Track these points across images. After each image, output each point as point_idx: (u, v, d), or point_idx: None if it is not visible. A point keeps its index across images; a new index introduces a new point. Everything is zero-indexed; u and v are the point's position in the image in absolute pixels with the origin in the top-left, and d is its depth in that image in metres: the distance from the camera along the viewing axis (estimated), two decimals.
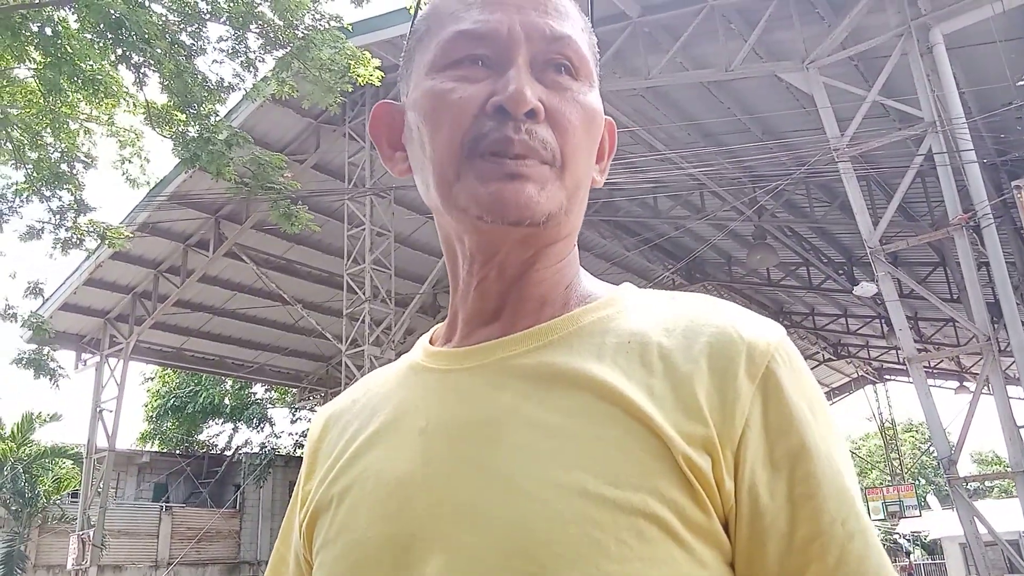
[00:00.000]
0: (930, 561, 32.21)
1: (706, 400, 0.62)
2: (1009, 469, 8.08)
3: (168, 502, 20.26)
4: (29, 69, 8.92)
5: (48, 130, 9.46)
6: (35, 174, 9.44)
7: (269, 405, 24.24)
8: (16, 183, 9.71)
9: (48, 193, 9.64)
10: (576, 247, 0.77)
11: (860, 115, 8.51)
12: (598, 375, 0.64)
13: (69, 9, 8.12)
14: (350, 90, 9.06)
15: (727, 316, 0.68)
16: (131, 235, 10.89)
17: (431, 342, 0.79)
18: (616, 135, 0.81)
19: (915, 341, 9.46)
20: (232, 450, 23.47)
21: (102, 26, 7.66)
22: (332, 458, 0.75)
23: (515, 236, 0.70)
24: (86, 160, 9.98)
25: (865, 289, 11.71)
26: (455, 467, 0.64)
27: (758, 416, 0.62)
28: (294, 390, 21.56)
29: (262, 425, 23.84)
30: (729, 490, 0.61)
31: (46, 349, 11.42)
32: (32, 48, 8.21)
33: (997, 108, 8.61)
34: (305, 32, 8.31)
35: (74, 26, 8.21)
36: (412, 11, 8.46)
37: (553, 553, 0.58)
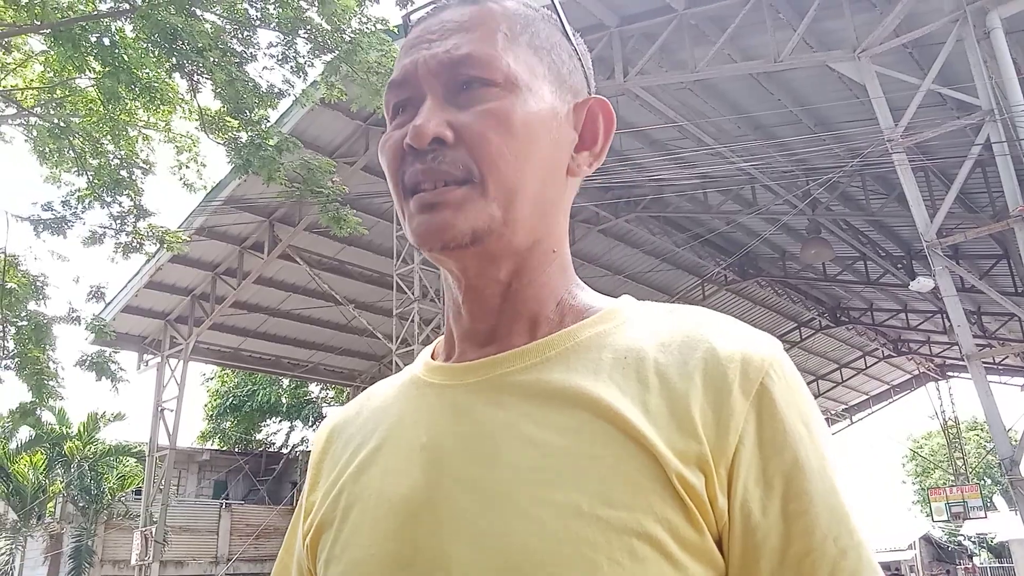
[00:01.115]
0: (997, 564, 31.20)
1: (700, 417, 0.62)
2: None
3: (227, 499, 20.73)
4: (89, 79, 9.22)
5: (108, 137, 9.74)
6: (96, 180, 9.73)
7: (324, 404, 24.63)
8: (79, 189, 10.02)
9: (109, 199, 9.92)
10: (563, 258, 0.76)
11: (914, 104, 8.29)
12: (594, 392, 0.65)
13: (126, 20, 8.37)
14: None
15: (723, 331, 0.68)
16: (189, 239, 11.17)
17: (432, 356, 0.79)
18: (612, 114, 0.77)
19: (977, 336, 9.18)
20: (289, 448, 23.92)
21: (157, 36, 7.88)
22: (336, 471, 0.76)
23: (463, 259, 0.71)
24: (144, 166, 10.25)
25: (922, 284, 11.40)
26: (454, 485, 0.65)
27: (752, 432, 0.62)
28: (348, 389, 21.88)
29: (318, 423, 24.20)
30: (722, 507, 0.61)
31: (108, 351, 11.77)
32: (91, 58, 8.47)
33: None
34: (352, 36, 8.41)
35: (130, 35, 8.45)
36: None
37: (548, 573, 0.58)
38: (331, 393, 24.38)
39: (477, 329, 0.74)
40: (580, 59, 0.79)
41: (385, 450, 0.72)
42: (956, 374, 25.15)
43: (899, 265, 16.34)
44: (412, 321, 12.13)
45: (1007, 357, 20.69)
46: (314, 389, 24.42)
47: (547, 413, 0.65)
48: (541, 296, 0.73)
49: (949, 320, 16.72)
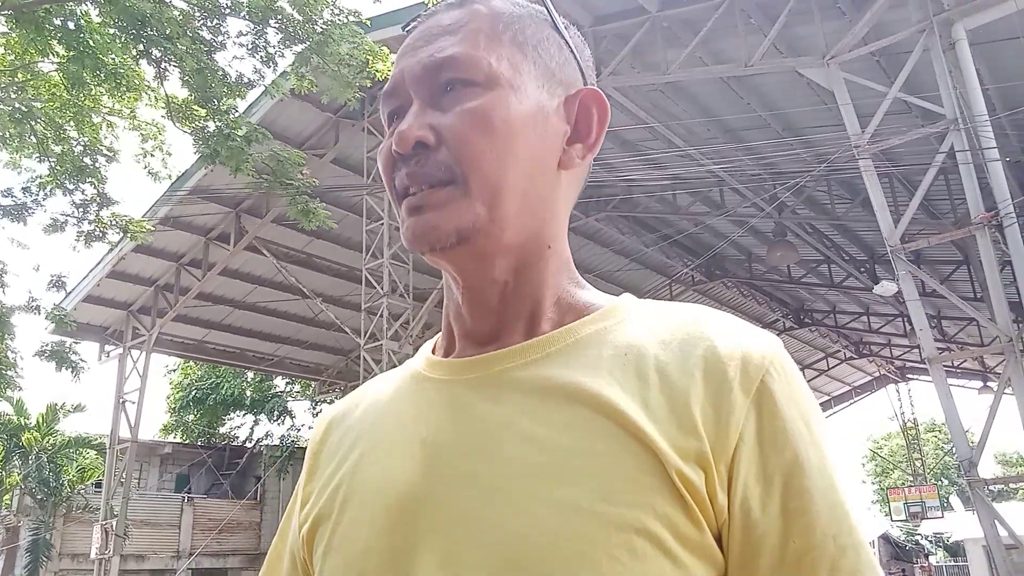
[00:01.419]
0: (952, 563, 31.87)
1: (701, 414, 0.62)
2: None
3: (190, 493, 20.49)
4: (52, 63, 9.03)
5: (71, 123, 9.57)
6: (58, 167, 9.55)
7: (290, 398, 24.42)
8: (40, 176, 9.83)
9: (71, 186, 9.74)
10: (561, 254, 0.76)
11: (881, 112, 8.41)
12: (594, 389, 0.65)
13: (91, 4, 8.21)
14: (369, 85, 9.08)
15: (723, 328, 0.68)
16: (153, 228, 11.00)
17: (433, 351, 0.79)
18: (605, 104, 0.77)
19: (938, 340, 9.37)
20: (253, 442, 23.70)
21: (124, 21, 7.74)
22: (335, 463, 0.76)
23: (455, 260, 0.72)
24: (108, 154, 10.08)
25: (885, 288, 11.59)
26: (454, 480, 0.65)
27: (752, 430, 0.62)
28: (314, 383, 21.72)
29: (283, 418, 24.02)
30: (722, 504, 0.61)
31: (69, 342, 11.57)
32: (55, 42, 8.30)
33: (1021, 105, 8.47)
34: (323, 27, 8.34)
35: (96, 20, 8.30)
36: (430, 6, 8.46)
37: (547, 569, 0.58)
38: (296, 387, 24.18)
39: (477, 328, 0.74)
40: (573, 52, 0.79)
41: (385, 444, 0.72)
42: (915, 376, 25.63)
43: (862, 269, 16.60)
44: (381, 316, 12.06)
45: (965, 361, 21.14)
46: (279, 383, 24.20)
47: (547, 409, 0.65)
48: (540, 293, 0.73)
49: (910, 323, 17.05)
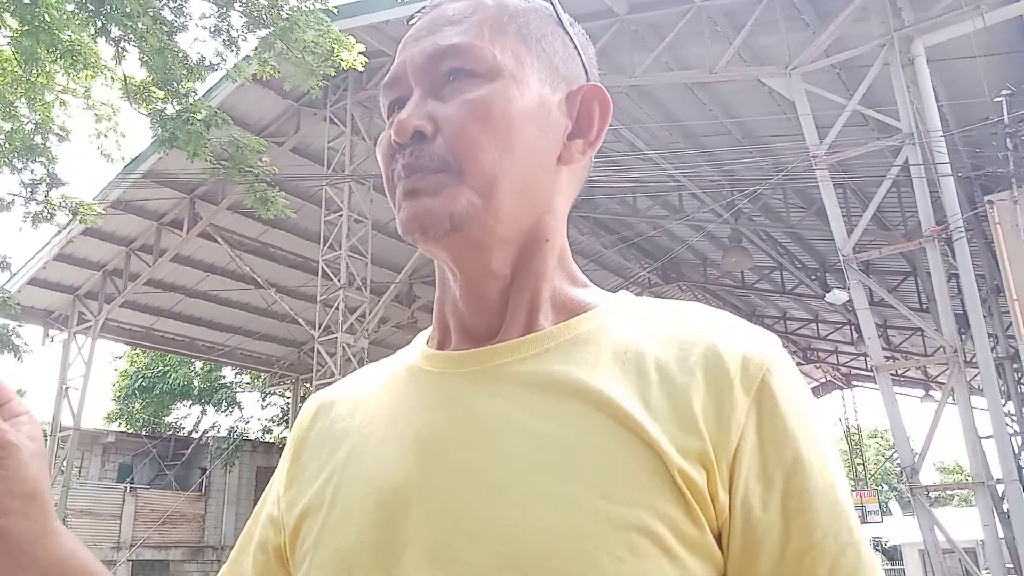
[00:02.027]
0: (890, 567, 32.72)
1: (702, 412, 0.62)
2: (970, 479, 8.23)
3: (133, 483, 20.05)
4: (4, 36, 8.74)
5: (22, 100, 9.27)
6: (7, 145, 9.25)
7: (239, 389, 24.06)
8: None
9: (20, 165, 9.45)
10: (559, 248, 0.75)
11: (840, 123, 8.58)
12: (594, 385, 0.64)
13: None
14: (333, 74, 8.98)
15: (723, 327, 0.68)
16: (104, 211, 10.71)
17: (427, 343, 0.78)
18: (607, 100, 0.77)
19: (883, 349, 9.62)
20: (200, 433, 23.29)
21: None
22: (324, 453, 0.74)
23: (450, 249, 0.71)
24: (60, 133, 9.80)
25: (837, 296, 11.84)
26: (449, 475, 0.64)
27: (753, 429, 0.62)
28: (264, 375, 21.42)
29: (231, 409, 23.67)
30: (723, 503, 0.61)
31: (11, 324, 11.22)
32: (8, 15, 8.03)
33: (973, 122, 8.73)
34: (289, 13, 8.21)
35: None
36: None
37: (545, 567, 0.58)
38: (246, 379, 23.83)
39: (475, 321, 0.73)
40: (577, 48, 0.79)
41: (377, 436, 0.71)
42: (860, 383, 26.27)
43: (813, 277, 16.94)
44: (337, 309, 11.95)
45: (909, 370, 21.71)
46: (228, 374, 23.82)
47: (546, 404, 0.64)
48: (538, 287, 0.72)
49: (857, 332, 17.46)
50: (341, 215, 12.21)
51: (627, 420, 0.61)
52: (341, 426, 0.75)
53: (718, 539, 0.61)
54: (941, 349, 8.43)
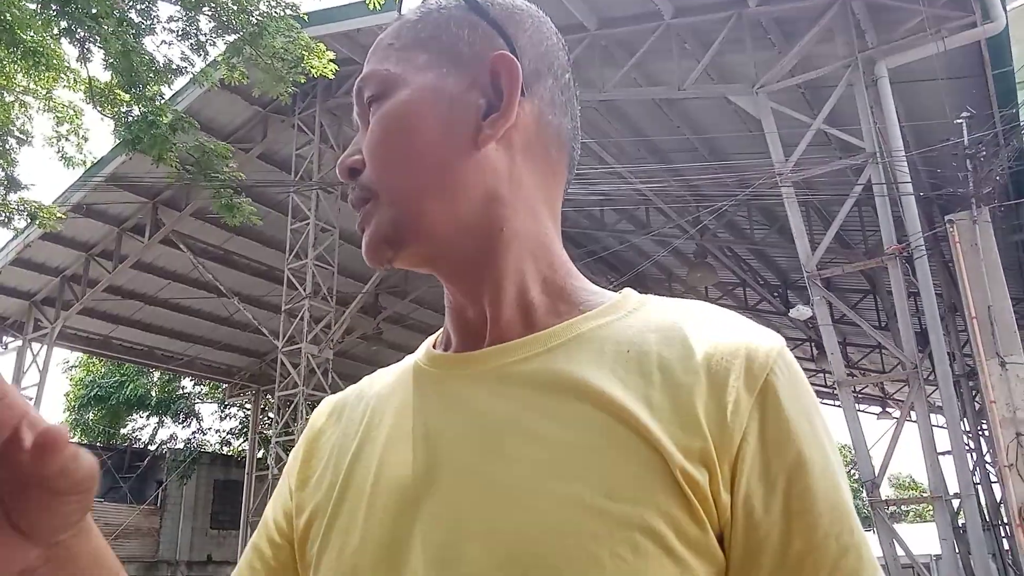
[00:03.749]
0: None
1: (704, 413, 0.61)
2: (926, 494, 8.36)
3: None
4: None
5: None
6: None
7: (197, 400, 23.66)
8: None
9: None
10: (526, 237, 0.72)
11: (805, 142, 8.73)
12: (597, 385, 0.64)
13: None
14: (303, 81, 8.92)
15: (726, 326, 0.67)
16: (64, 216, 10.50)
17: (434, 346, 0.78)
18: (513, 66, 0.71)
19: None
20: (156, 445, 22.84)
21: None
22: (335, 455, 0.75)
23: (410, 265, 0.73)
24: (20, 135, 9.61)
25: (800, 312, 12.01)
26: (454, 475, 0.64)
27: (756, 429, 0.62)
28: (224, 386, 21.09)
29: (189, 420, 23.27)
30: (725, 503, 0.60)
31: None
32: None
33: (934, 143, 8.94)
34: (259, 18, 8.16)
35: None
36: (370, 5, 8.37)
37: (548, 565, 0.57)
38: (205, 389, 23.44)
39: (470, 321, 0.74)
40: (496, 22, 0.75)
41: (385, 439, 0.71)
42: (820, 400, 26.62)
43: (775, 294, 17.17)
44: (302, 319, 11.82)
45: (866, 386, 22.07)
46: (187, 384, 23.42)
47: (549, 404, 0.64)
48: (510, 279, 0.71)
49: (818, 348, 17.72)
50: (308, 223, 12.11)
51: (629, 420, 0.61)
52: (351, 429, 0.76)
53: (720, 539, 0.61)
54: (900, 366, 8.58)
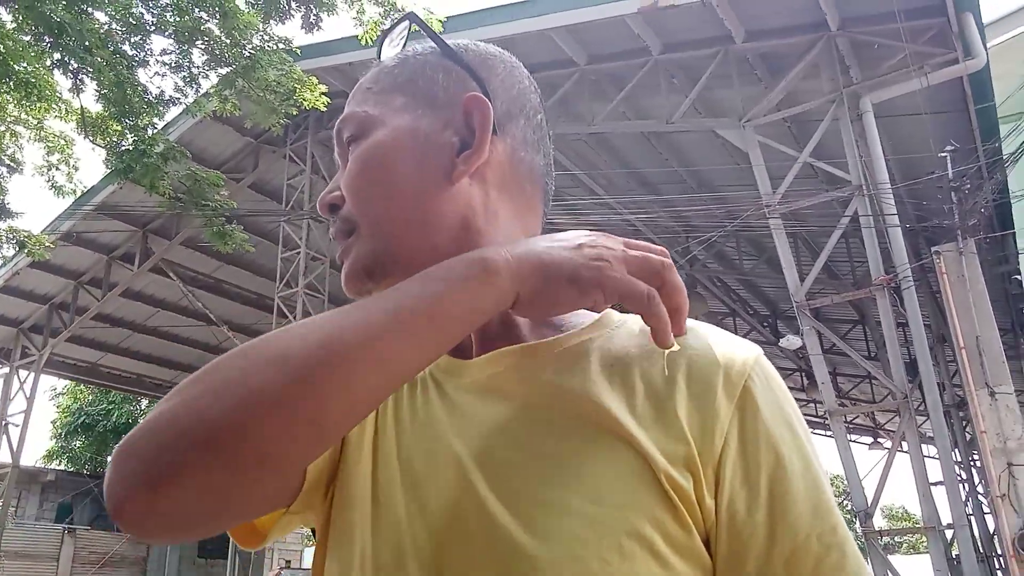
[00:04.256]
0: None
1: (686, 419, 0.64)
2: (919, 524, 8.33)
3: (72, 523, 19.31)
4: None
5: None
6: None
7: None
8: None
9: None
10: None
11: (792, 175, 8.81)
12: (583, 394, 0.66)
13: (4, 7, 7.87)
14: (295, 113, 8.98)
15: (705, 337, 0.70)
16: (52, 244, 10.49)
17: None
18: (485, 106, 0.75)
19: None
20: None
21: (41, 29, 7.44)
22: (352, 454, 0.75)
23: None
24: (11, 164, 9.62)
25: (791, 342, 12.04)
26: (444, 482, 0.66)
27: (736, 434, 0.64)
28: None
29: None
30: (710, 508, 0.62)
31: None
32: None
33: (919, 176, 9.03)
34: (252, 52, 8.22)
35: (10, 25, 7.94)
36: (362, 40, 8.45)
37: (536, 568, 0.59)
38: None
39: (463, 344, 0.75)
40: (470, 67, 0.78)
41: (387, 446, 0.73)
42: (811, 430, 26.55)
43: (765, 324, 17.20)
44: None
45: (857, 417, 22.05)
46: None
47: (538, 413, 0.67)
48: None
49: (807, 378, 17.73)
50: (298, 252, 12.11)
51: (616, 427, 0.63)
52: (368, 431, 0.75)
53: (706, 543, 0.63)
54: (890, 395, 8.59)
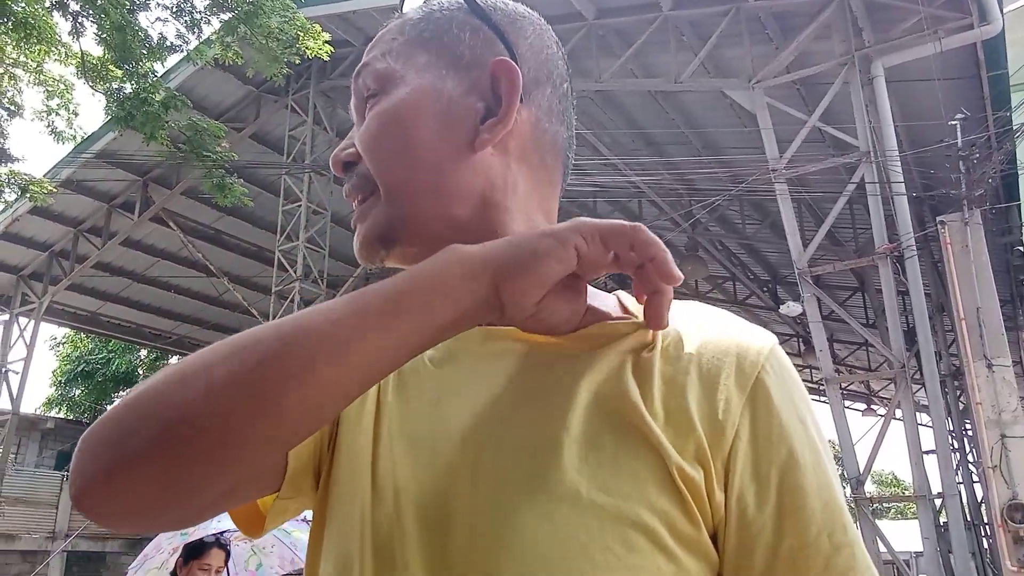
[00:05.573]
0: None
1: (698, 411, 0.62)
2: (908, 491, 8.41)
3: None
4: None
5: None
6: None
7: None
8: None
9: None
10: None
11: (800, 138, 8.73)
12: (596, 381, 0.64)
13: None
14: (297, 62, 8.86)
15: (718, 325, 0.68)
16: (55, 190, 10.42)
17: None
18: (513, 73, 0.72)
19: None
20: None
21: None
22: (353, 422, 0.73)
23: (397, 262, 0.74)
24: (10, 108, 9.52)
25: (791, 308, 12.05)
26: (447, 466, 0.64)
27: (747, 427, 0.62)
28: None
29: None
30: (719, 501, 0.61)
31: None
32: None
33: (928, 144, 8.94)
34: None
35: None
36: None
37: (538, 555, 0.57)
38: None
39: None
40: (497, 28, 0.75)
41: (383, 420, 0.70)
42: None
43: (765, 289, 17.21)
44: (292, 301, 11.78)
45: (852, 383, 22.20)
46: (174, 362, 23.38)
47: (551, 398, 0.64)
48: None
49: (805, 344, 17.78)
50: (299, 205, 12.05)
51: (628, 416, 0.61)
52: (368, 407, 0.73)
53: (714, 538, 0.61)
54: (887, 364, 8.62)
